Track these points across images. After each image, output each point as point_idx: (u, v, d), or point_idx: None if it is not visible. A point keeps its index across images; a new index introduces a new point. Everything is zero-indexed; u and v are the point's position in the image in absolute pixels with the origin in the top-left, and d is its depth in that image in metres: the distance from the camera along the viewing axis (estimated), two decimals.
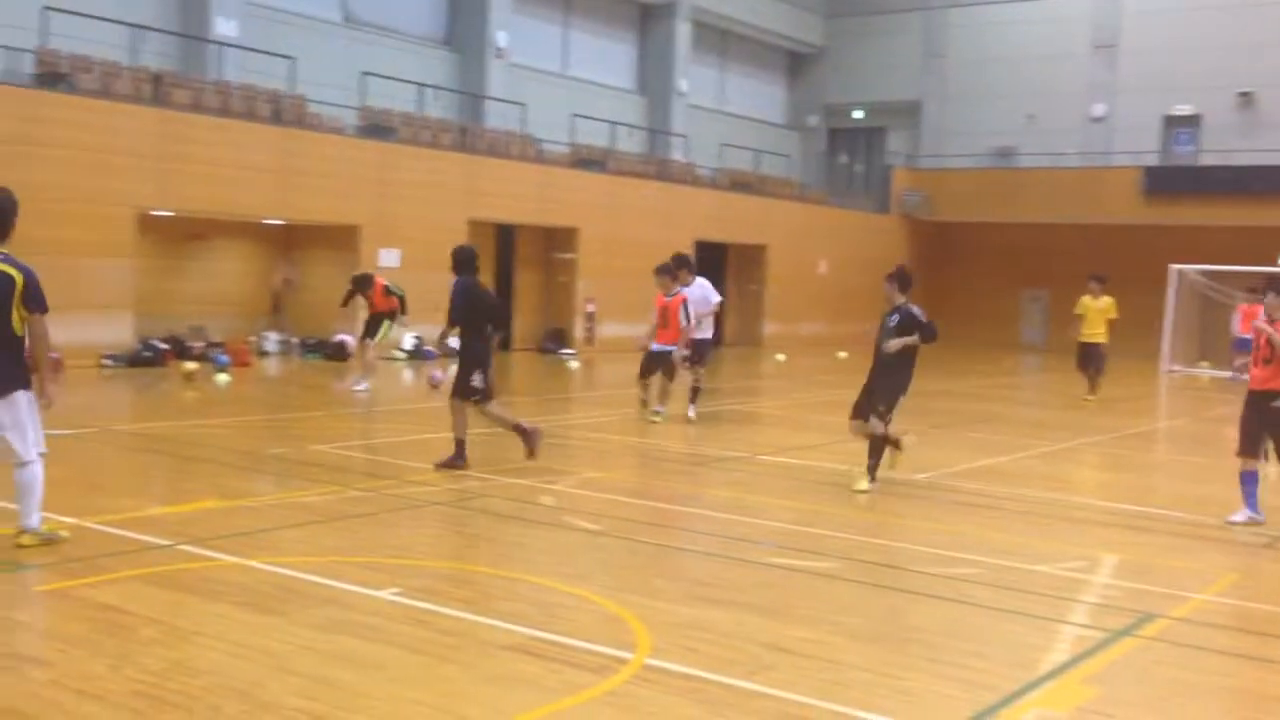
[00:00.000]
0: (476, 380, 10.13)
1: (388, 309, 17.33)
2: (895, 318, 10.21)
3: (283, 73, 22.88)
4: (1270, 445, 9.12)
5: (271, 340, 22.48)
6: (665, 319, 14.03)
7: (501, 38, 28.92)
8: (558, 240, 27.93)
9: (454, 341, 10.42)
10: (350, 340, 22.31)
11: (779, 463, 11.79)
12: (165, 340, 19.92)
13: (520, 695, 4.88)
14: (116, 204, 18.73)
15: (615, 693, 4.94)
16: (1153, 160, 35.80)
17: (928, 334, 10.15)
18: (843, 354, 29.39)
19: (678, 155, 33.76)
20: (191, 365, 17.84)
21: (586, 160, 28.95)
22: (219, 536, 7.36)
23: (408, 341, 23.11)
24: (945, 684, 5.24)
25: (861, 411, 10.22)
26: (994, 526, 8.98)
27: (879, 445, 10.09)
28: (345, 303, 18.17)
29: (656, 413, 14.04)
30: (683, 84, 35.09)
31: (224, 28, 23.06)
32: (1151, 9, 36.48)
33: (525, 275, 27.87)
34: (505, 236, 27.34)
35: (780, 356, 28.18)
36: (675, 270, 14.40)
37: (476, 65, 28.82)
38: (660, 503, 9.26)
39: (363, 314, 17.84)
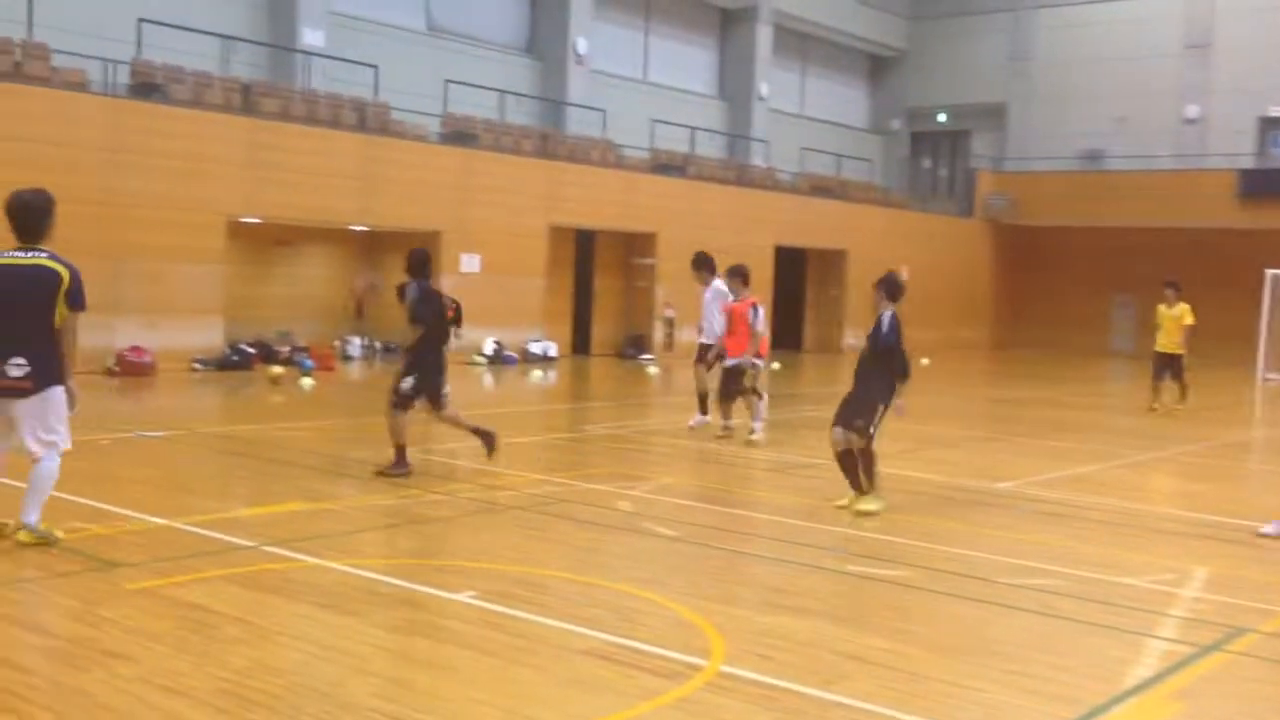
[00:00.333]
0: (405, 385, 9.86)
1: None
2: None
3: (368, 81, 23.28)
4: None
5: (355, 345, 22.86)
6: (732, 326, 13.10)
7: (582, 44, 29.10)
8: (637, 245, 28.00)
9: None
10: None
11: None
12: (253, 345, 20.36)
13: (594, 700, 4.89)
14: (207, 211, 19.19)
15: (689, 699, 4.93)
16: (1248, 163, 34.82)
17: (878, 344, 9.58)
18: (925, 360, 29.04)
19: (758, 160, 33.66)
20: (277, 369, 18.23)
21: (666, 165, 28.99)
22: (301, 538, 7.50)
23: (488, 346, 23.34)
24: (1026, 697, 5.14)
25: (841, 420, 9.36)
26: (1079, 537, 8.80)
27: (868, 461, 9.24)
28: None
29: (753, 432, 12.90)
30: (763, 88, 34.97)
31: (311, 38, 23.53)
32: (1246, 7, 35.51)
33: (605, 280, 27.98)
34: (585, 242, 27.48)
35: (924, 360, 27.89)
36: (697, 270, 13.86)
37: (557, 72, 29.03)
38: (737, 509, 9.22)
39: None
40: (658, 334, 27.79)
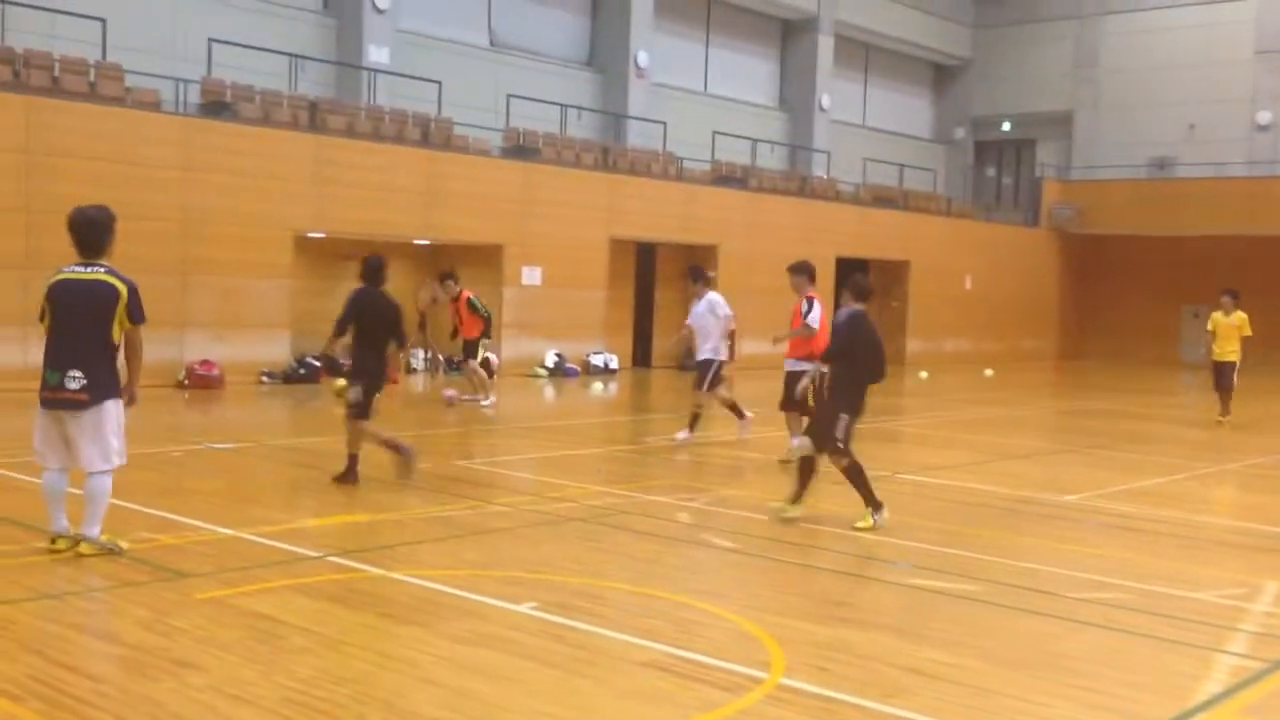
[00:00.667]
0: (353, 395, 9.86)
1: (478, 332, 17.29)
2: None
3: (431, 97, 23.56)
4: None
5: (418, 358, 23.09)
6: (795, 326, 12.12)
7: (643, 57, 29.21)
8: (698, 258, 27.97)
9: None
10: (494, 359, 22.78)
11: (921, 482, 11.57)
12: (318, 358, 20.63)
13: (654, 711, 4.90)
14: (275, 227, 19.53)
15: (748, 711, 4.92)
16: None
17: (828, 351, 9.26)
18: (989, 371, 28.71)
19: (819, 171, 33.53)
20: (342, 382, 18.37)
21: (727, 177, 28.99)
22: (365, 549, 7.59)
23: (550, 358, 23.46)
24: (1092, 712, 5.06)
25: (813, 437, 9.09)
26: (1147, 551, 8.65)
27: (856, 476, 8.94)
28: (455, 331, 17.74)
29: (789, 451, 11.61)
30: (825, 99, 34.85)
31: (376, 55, 23.88)
32: None
33: (666, 293, 28.01)
34: (646, 254, 27.55)
35: (923, 374, 27.66)
36: (692, 282, 13.69)
37: (618, 85, 29.16)
38: (797, 521, 9.16)
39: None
40: None
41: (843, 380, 9.04)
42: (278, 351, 19.82)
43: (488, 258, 23.15)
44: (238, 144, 19.19)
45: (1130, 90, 38.04)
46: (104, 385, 6.97)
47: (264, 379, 19.37)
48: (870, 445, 14.43)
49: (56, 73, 18.05)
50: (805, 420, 11.09)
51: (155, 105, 19.01)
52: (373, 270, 10.09)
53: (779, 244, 27.90)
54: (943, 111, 41.70)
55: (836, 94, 35.62)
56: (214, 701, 4.75)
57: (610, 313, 25.48)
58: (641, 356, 27.61)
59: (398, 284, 23.90)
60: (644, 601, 6.70)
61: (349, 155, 20.64)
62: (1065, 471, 12.93)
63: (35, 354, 7.54)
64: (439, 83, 23.81)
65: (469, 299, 17.25)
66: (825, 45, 34.75)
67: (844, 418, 8.94)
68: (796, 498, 9.09)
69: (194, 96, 20.29)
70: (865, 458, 12.74)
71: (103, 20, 19.07)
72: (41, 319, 7.08)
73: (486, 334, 17.52)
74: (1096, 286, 38.91)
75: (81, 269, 7.08)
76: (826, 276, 28.70)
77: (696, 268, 14.17)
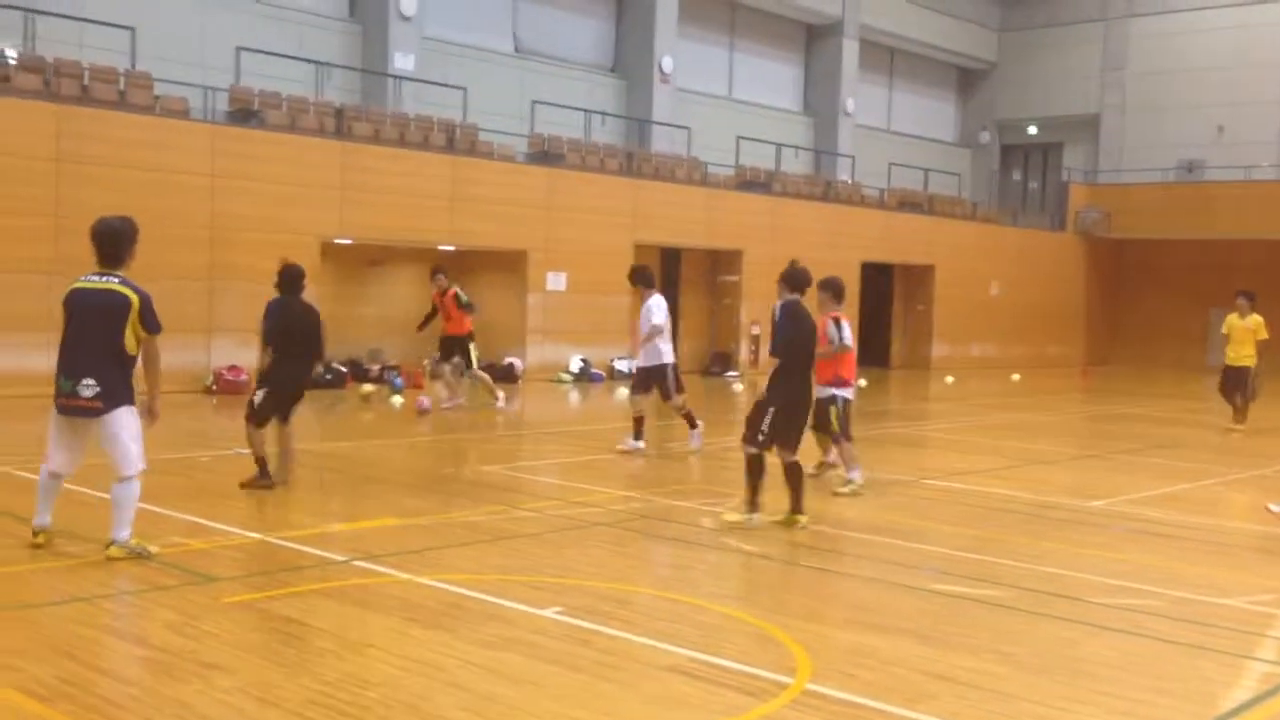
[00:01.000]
0: (256, 397, 9.77)
1: (466, 330, 16.59)
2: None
3: (457, 103, 23.67)
4: None
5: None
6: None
7: (667, 62, 29.25)
8: (723, 262, 28.01)
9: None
10: (519, 364, 22.83)
11: (946, 487, 11.53)
12: (344, 363, 20.76)
13: (679, 716, 4.90)
14: (301, 233, 19.64)
15: (773, 716, 4.92)
16: None
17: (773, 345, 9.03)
18: (1016, 376, 28.57)
19: (844, 176, 33.47)
20: (369, 387, 18.57)
21: (751, 182, 28.98)
22: (391, 553, 7.63)
23: (574, 364, 23.50)
24: (1117, 719, 5.04)
25: (744, 436, 9.07)
26: (1175, 556, 8.59)
27: (754, 470, 8.90)
28: (426, 322, 17.12)
29: (849, 481, 10.78)
30: (849, 103, 34.79)
31: (402, 62, 24.00)
32: None
33: (690, 298, 28.02)
34: (670, 259, 27.57)
35: (949, 379, 27.55)
36: (633, 284, 13.08)
37: (642, 90, 29.21)
38: (822, 526, 9.16)
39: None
40: (743, 351, 27.75)
41: (786, 375, 8.93)
42: None
43: (512, 263, 23.22)
44: (265, 151, 19.33)
45: (1158, 93, 37.79)
46: (117, 393, 7.05)
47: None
48: (895, 450, 14.41)
49: (86, 81, 18.24)
50: (832, 444, 11.06)
51: (184, 113, 19.17)
52: (291, 279, 10.07)
53: (804, 249, 27.74)
54: (968, 115, 41.55)
55: (861, 98, 35.55)
56: (241, 704, 4.79)
57: (634, 318, 25.46)
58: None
59: (418, 290, 24.11)
60: (669, 606, 6.71)
61: (375, 161, 20.76)
62: (1092, 476, 12.86)
63: None
64: (464, 89, 23.92)
65: (456, 294, 16.46)
66: (850, 49, 34.69)
67: (770, 410, 8.87)
68: (751, 504, 9.00)
69: (222, 104, 20.45)
70: (890, 464, 12.76)
71: (132, 29, 19.26)
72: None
73: (468, 312, 16.69)
74: (1123, 291, 38.67)
75: (96, 278, 7.17)
76: (853, 281, 28.65)
77: (639, 268, 13.39)
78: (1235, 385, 17.61)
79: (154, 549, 7.28)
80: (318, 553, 7.59)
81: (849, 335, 10.89)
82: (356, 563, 7.35)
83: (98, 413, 7.00)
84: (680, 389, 13.00)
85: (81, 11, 19.40)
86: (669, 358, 12.86)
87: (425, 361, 16.67)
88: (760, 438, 8.85)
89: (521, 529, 8.69)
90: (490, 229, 22.47)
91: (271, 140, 19.59)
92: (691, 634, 6.07)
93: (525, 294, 23.17)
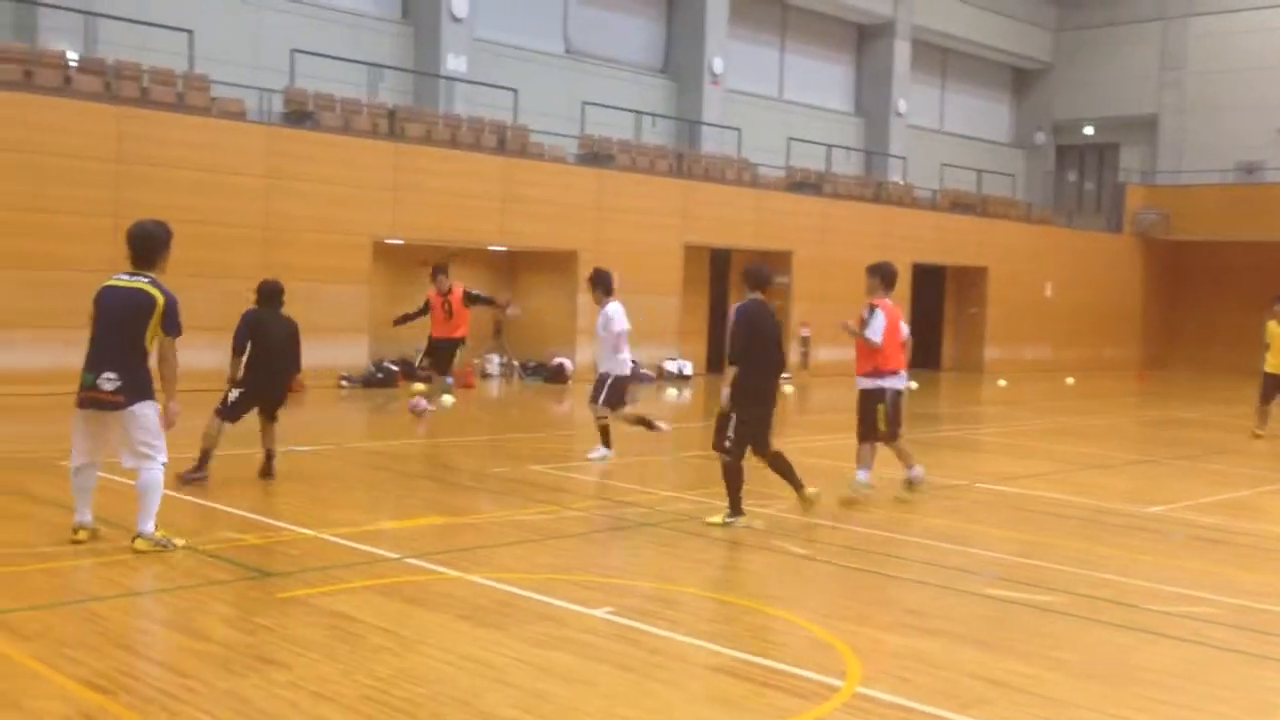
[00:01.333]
0: (231, 395, 9.90)
1: (462, 335, 15.29)
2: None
3: (508, 104, 23.79)
4: None
5: (494, 363, 23.30)
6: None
7: (717, 64, 29.22)
8: (772, 264, 27.86)
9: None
10: (569, 364, 22.89)
11: (999, 491, 11.42)
12: (396, 362, 20.93)
13: (727, 717, 4.90)
14: (354, 233, 19.85)
15: (825, 719, 4.90)
16: None
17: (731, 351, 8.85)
18: (1071, 380, 28.23)
19: (895, 177, 33.25)
20: (420, 386, 18.68)
21: (802, 184, 28.87)
22: (443, 551, 7.69)
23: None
24: None
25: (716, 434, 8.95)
26: (1234, 564, 8.44)
27: (732, 477, 8.85)
28: (408, 319, 15.51)
29: (909, 484, 10.44)
30: (901, 104, 34.57)
31: (454, 64, 24.17)
32: None
33: (739, 299, 27.91)
34: (720, 260, 27.53)
35: (1002, 382, 27.28)
36: (591, 289, 12.58)
37: (693, 91, 29.20)
38: (872, 529, 9.11)
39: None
40: (793, 353, 27.64)
41: (741, 378, 8.81)
42: (357, 356, 20.14)
43: (562, 264, 23.29)
44: (319, 152, 19.55)
45: (1218, 93, 37.18)
46: (138, 388, 7.15)
47: (343, 383, 19.68)
48: (947, 454, 14.29)
49: (145, 84, 18.53)
50: (880, 448, 10.32)
51: (240, 115, 19.43)
52: (269, 294, 10.31)
53: (854, 250, 27.71)
54: (1023, 116, 41.11)
55: (913, 99, 35.30)
56: (297, 698, 4.85)
57: (684, 319, 25.51)
58: (716, 362, 27.56)
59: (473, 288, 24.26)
60: (717, 607, 6.71)
61: (427, 162, 20.92)
62: (1148, 482, 12.68)
63: None
64: (515, 90, 24.04)
65: (467, 291, 15.21)
66: (902, 50, 34.46)
67: (733, 419, 8.83)
68: (734, 508, 8.94)
69: (277, 106, 20.70)
70: (942, 467, 12.63)
71: (190, 32, 19.54)
72: None
73: (494, 305, 15.76)
74: (1181, 293, 38.08)
75: (127, 278, 7.31)
76: (904, 283, 28.42)
77: (598, 271, 12.83)
78: (1273, 393, 17.32)
79: (180, 542, 7.37)
80: (369, 549, 7.66)
81: (879, 325, 9.92)
82: (408, 560, 7.41)
83: (118, 406, 7.09)
84: (623, 402, 12.54)
85: (141, 15, 19.71)
86: (628, 368, 12.51)
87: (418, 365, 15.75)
88: (728, 445, 8.84)
89: (570, 528, 8.72)
90: (540, 230, 22.56)
91: (325, 142, 19.80)
92: (740, 635, 6.06)
93: (575, 295, 23.22)
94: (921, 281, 30.63)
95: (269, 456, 10.28)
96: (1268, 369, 17.43)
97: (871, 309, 10.06)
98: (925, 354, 31.03)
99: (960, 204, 33.03)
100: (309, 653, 5.45)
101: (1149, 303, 37.69)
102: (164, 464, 7.29)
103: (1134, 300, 37.18)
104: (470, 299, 15.00)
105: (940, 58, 37.69)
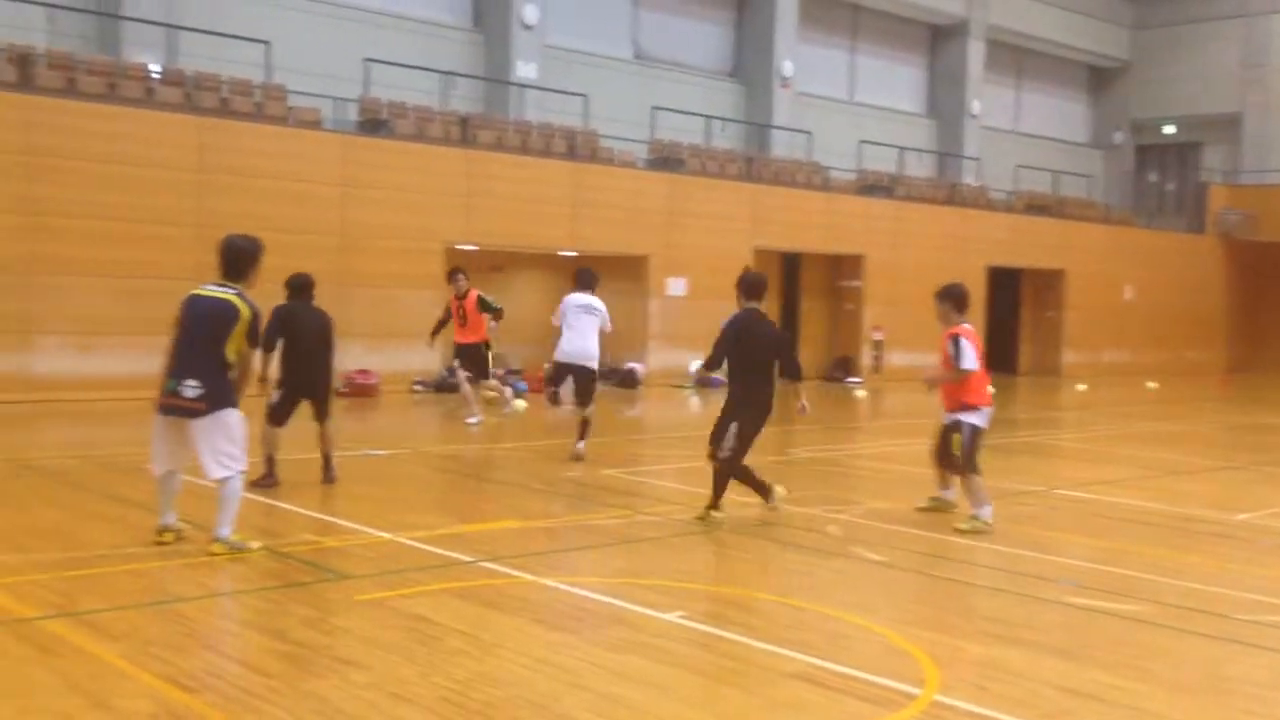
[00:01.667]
0: (274, 398, 9.95)
1: (482, 338, 15.03)
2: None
3: (578, 110, 23.91)
4: None
5: None
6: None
7: (787, 67, 29.09)
8: (844, 268, 27.72)
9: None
10: (640, 369, 22.91)
11: (1078, 498, 11.21)
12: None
13: None
14: (427, 239, 20.07)
15: None
16: None
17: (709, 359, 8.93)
18: (1152, 384, 27.65)
19: (969, 179, 32.85)
20: (492, 391, 18.81)
21: (873, 186, 28.64)
22: (517, 555, 7.72)
23: (694, 368, 23.49)
24: None
25: (712, 440, 9.09)
26: None
27: (734, 476, 9.06)
28: (439, 330, 15.44)
29: (974, 517, 9.25)
30: (975, 105, 34.15)
31: (524, 70, 24.35)
32: None
33: (810, 303, 27.81)
34: (791, 264, 27.41)
35: (1081, 386, 26.79)
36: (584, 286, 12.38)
37: (763, 95, 29.11)
38: (950, 536, 8.98)
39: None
40: (865, 357, 27.41)
41: (741, 389, 8.93)
42: (429, 361, 20.32)
43: (633, 269, 23.34)
44: (393, 159, 19.81)
45: None
46: (219, 395, 7.26)
47: (417, 387, 19.88)
48: (1024, 459, 14.06)
49: (224, 94, 18.91)
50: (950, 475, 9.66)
51: (316, 124, 19.76)
52: (298, 286, 10.28)
53: (927, 253, 27.46)
54: (1100, 115, 40.39)
55: (987, 99, 34.85)
56: (376, 699, 4.90)
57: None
58: (784, 368, 27.43)
59: (541, 296, 24.41)
60: (792, 613, 6.65)
61: (498, 169, 21.10)
62: (1234, 489, 12.37)
63: None
64: (585, 96, 24.15)
65: (480, 297, 14.88)
66: (975, 50, 34.04)
67: (733, 426, 8.89)
68: (714, 504, 9.07)
69: (352, 114, 21.01)
70: (1019, 473, 12.43)
71: (267, 43, 19.91)
72: None
73: (496, 318, 15.06)
74: (1265, 295, 37.14)
75: (215, 288, 7.43)
76: (979, 286, 28.07)
77: (583, 269, 12.84)
78: None
79: (255, 545, 7.48)
80: (445, 553, 7.72)
81: (971, 355, 9.24)
82: (483, 563, 7.45)
83: (199, 414, 7.20)
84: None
85: (220, 26, 20.12)
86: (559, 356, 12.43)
87: (443, 372, 15.67)
88: (730, 453, 8.95)
89: (643, 533, 8.71)
90: (611, 235, 22.63)
91: (399, 149, 20.06)
92: (815, 641, 6.01)
93: (646, 299, 23.28)
94: (996, 285, 30.22)
95: (325, 462, 10.22)
96: None
97: (955, 339, 9.33)
98: (1001, 359, 30.62)
99: (1036, 206, 32.54)
100: (388, 654, 5.50)
101: (1232, 305, 36.81)
102: (243, 472, 7.40)
103: (1216, 303, 36.34)
104: (483, 305, 14.82)
105: (1015, 57, 37.17)
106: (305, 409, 10.21)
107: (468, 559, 7.57)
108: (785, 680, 5.37)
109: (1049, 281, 32.13)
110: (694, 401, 21.15)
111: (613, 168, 23.30)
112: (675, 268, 23.53)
